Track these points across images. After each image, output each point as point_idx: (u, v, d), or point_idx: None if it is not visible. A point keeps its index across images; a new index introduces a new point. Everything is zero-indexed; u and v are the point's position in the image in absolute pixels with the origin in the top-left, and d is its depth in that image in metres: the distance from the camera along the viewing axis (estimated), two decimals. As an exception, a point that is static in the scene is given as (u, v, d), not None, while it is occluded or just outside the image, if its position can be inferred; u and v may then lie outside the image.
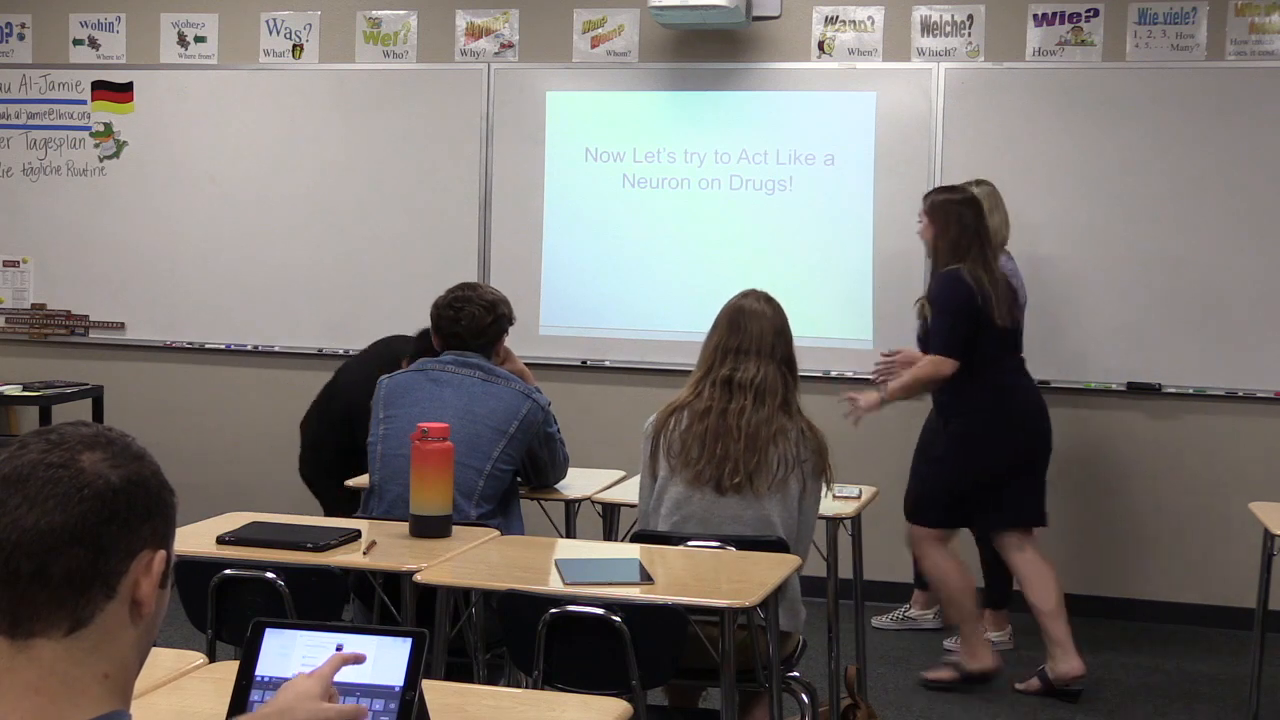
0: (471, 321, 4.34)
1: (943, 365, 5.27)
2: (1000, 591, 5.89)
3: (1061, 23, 6.34)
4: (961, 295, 5.22)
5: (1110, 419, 6.37)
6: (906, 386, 5.36)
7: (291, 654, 1.96)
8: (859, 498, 4.60)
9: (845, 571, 4.91)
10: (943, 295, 5.29)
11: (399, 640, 1.98)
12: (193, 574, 3.55)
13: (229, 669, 1.94)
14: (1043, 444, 5.48)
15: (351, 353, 6.47)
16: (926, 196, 5.54)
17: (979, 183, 5.77)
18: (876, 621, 6.10)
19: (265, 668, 1.95)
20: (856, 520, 4.66)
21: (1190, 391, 6.27)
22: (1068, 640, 5.28)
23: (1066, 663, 5.27)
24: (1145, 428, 6.36)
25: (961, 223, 5.32)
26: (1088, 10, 6.31)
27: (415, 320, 6.39)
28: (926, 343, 5.38)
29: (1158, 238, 6.25)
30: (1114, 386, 6.32)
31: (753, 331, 3.99)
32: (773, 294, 4.15)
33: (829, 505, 4.44)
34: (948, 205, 5.38)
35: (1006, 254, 5.73)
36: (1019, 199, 6.30)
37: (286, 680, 1.91)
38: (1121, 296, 6.28)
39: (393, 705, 1.94)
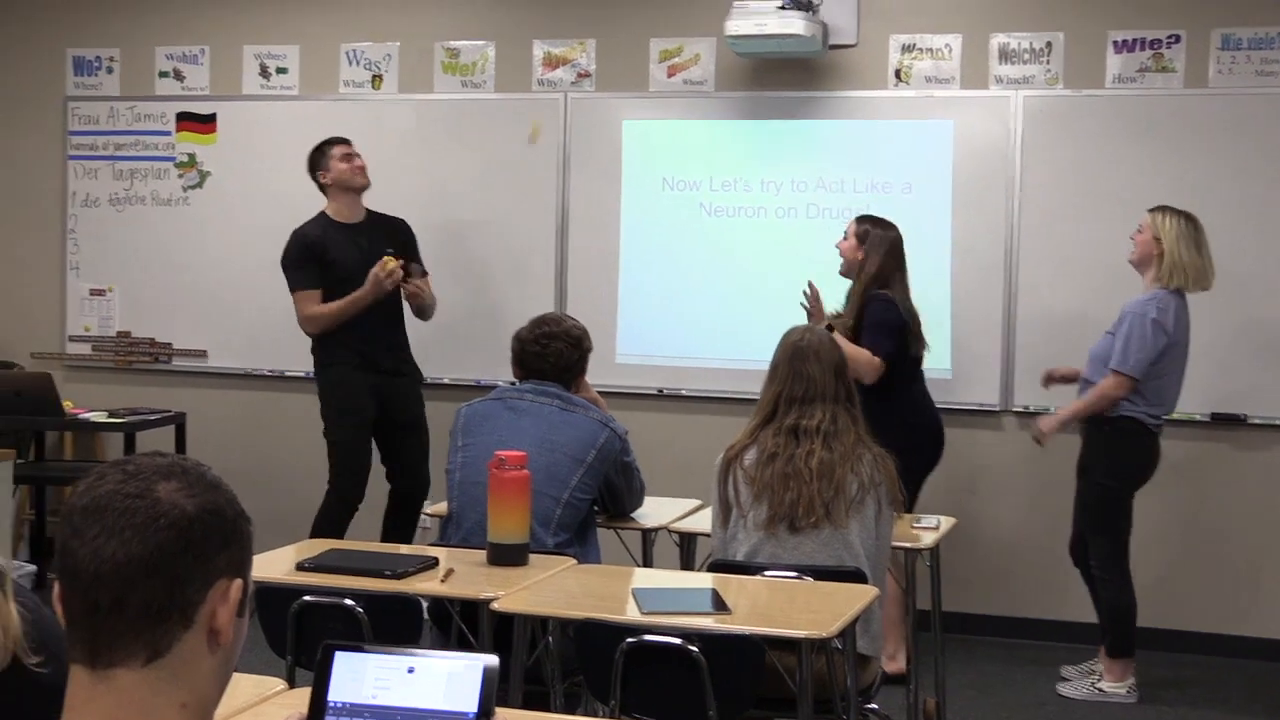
0: (559, 358, 4.36)
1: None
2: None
3: (1142, 49, 6.28)
4: None
5: (1194, 450, 6.26)
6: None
7: (364, 677, 1.94)
8: (937, 528, 4.56)
9: (924, 603, 4.87)
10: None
11: (472, 665, 1.97)
12: (273, 600, 3.59)
13: (309, 695, 1.94)
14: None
15: (435, 383, 6.51)
16: (862, 220, 5.78)
17: (1182, 214, 5.56)
18: (1061, 689, 5.69)
19: (338, 692, 1.93)
20: (935, 551, 4.62)
21: (1277, 422, 6.17)
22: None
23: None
24: (1229, 459, 6.25)
25: (894, 254, 5.67)
26: (1169, 36, 6.24)
27: (496, 350, 6.45)
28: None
29: (1241, 266, 6.14)
30: (1198, 417, 6.22)
31: (815, 376, 3.97)
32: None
33: (909, 535, 4.42)
34: (884, 238, 5.68)
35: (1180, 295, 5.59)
36: (1099, 227, 6.23)
37: (359, 704, 1.90)
38: (1204, 326, 6.16)
39: None
